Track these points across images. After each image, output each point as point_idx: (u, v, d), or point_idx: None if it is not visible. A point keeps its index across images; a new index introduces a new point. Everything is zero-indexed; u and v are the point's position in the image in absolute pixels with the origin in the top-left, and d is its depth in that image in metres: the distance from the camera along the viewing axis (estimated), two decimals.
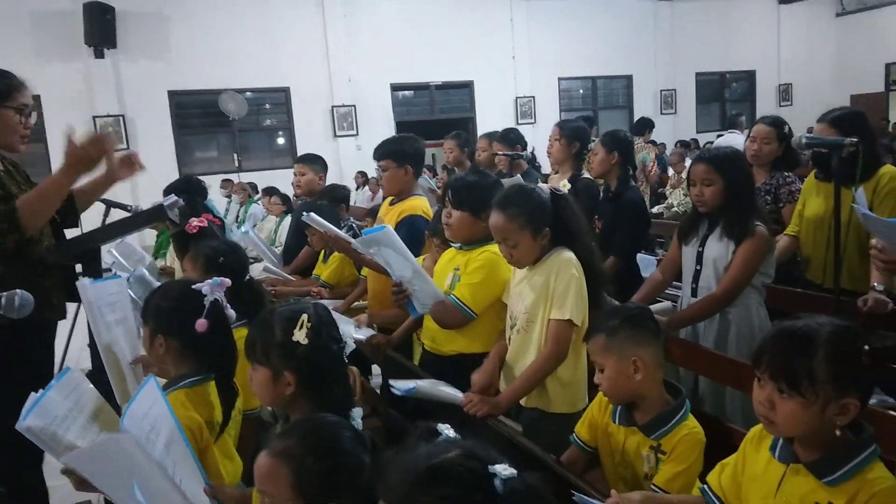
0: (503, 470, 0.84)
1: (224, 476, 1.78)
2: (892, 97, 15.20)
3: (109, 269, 2.60)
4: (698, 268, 2.57)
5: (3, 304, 1.50)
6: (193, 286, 1.80)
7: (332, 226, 2.88)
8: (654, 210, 8.27)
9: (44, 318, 2.21)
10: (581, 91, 14.59)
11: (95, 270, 2.20)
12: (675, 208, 8.48)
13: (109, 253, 2.90)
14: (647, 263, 3.74)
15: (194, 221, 2.35)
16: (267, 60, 11.28)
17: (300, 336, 1.45)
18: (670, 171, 9.55)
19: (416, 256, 2.84)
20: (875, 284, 2.44)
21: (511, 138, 4.18)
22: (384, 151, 3.02)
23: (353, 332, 2.49)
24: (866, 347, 1.20)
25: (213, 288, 1.78)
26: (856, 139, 2.26)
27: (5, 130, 2.18)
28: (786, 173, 3.29)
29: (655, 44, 14.40)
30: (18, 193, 2.19)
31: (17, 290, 1.53)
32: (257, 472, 1.22)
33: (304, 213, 2.96)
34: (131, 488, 1.30)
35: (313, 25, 11.62)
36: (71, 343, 2.85)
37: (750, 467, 1.43)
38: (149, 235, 6.90)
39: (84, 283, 1.90)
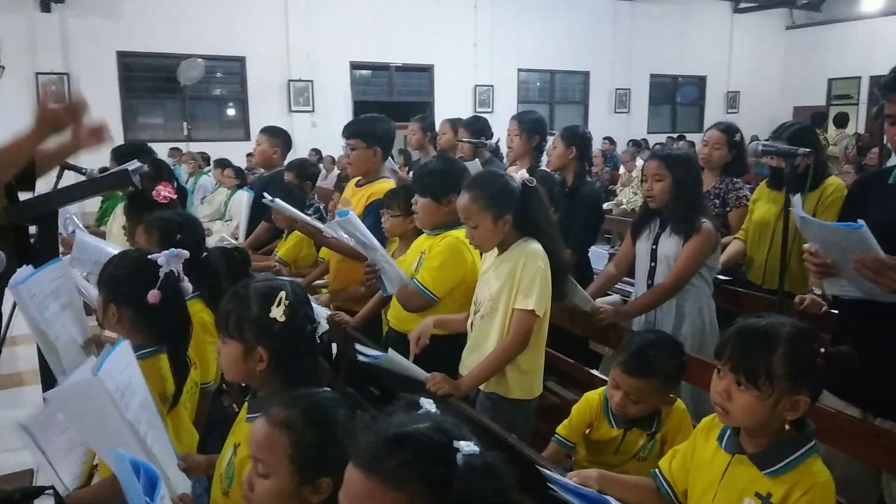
0: (466, 446, 0.89)
1: (180, 448, 1.76)
2: (832, 112, 15.89)
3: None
4: (653, 265, 2.68)
5: None
6: (150, 256, 1.76)
7: (298, 212, 2.86)
8: (604, 206, 8.47)
9: None
10: (539, 84, 14.72)
11: (52, 234, 2.13)
12: (624, 206, 8.71)
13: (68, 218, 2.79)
14: (599, 257, 3.87)
15: (163, 191, 2.27)
16: (223, 27, 10.94)
17: (277, 313, 1.44)
18: (621, 169, 9.77)
19: (384, 242, 2.86)
20: (814, 289, 2.60)
21: (477, 127, 4.20)
22: (354, 130, 3.01)
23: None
24: (822, 350, 1.28)
25: (169, 259, 1.74)
26: (809, 150, 2.40)
27: None
28: (735, 179, 3.42)
29: (614, 43, 14.63)
30: None
31: None
32: (254, 437, 1.22)
33: (269, 198, 2.91)
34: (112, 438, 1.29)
35: None
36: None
37: (699, 455, 1.50)
38: (91, 201, 6.66)
39: (18, 286, 1.76)
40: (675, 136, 13.80)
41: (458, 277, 2.36)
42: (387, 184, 3.02)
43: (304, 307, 1.51)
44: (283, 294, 1.46)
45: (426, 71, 13.12)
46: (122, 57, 10.60)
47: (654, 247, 2.67)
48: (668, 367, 1.83)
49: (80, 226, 3.04)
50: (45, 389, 2.13)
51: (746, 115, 15.35)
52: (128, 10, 10.36)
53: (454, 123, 4.47)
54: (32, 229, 2.22)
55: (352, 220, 2.31)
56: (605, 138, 12.33)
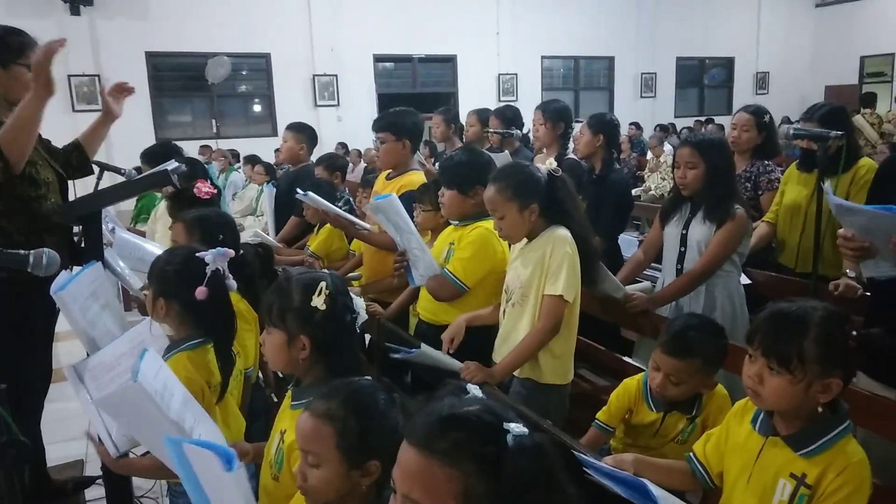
0: (516, 427, 0.93)
1: (228, 435, 1.84)
2: (865, 90, 15.52)
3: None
4: (682, 249, 2.67)
5: (31, 262, 1.53)
6: (197, 254, 1.83)
7: (330, 204, 2.91)
8: (633, 193, 8.38)
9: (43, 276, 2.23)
10: (563, 70, 14.61)
11: (96, 233, 2.21)
12: (653, 192, 8.62)
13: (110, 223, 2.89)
14: (628, 244, 3.87)
15: (203, 188, 2.35)
16: (248, 25, 11.07)
17: (318, 302, 1.49)
18: (648, 155, 9.66)
19: None
20: (847, 271, 2.58)
21: (507, 116, 4.21)
22: (384, 124, 3.05)
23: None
24: (854, 332, 1.29)
25: (216, 257, 1.82)
26: (841, 132, 2.37)
27: (18, 87, 2.19)
28: (766, 162, 3.39)
29: (638, 27, 14.45)
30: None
31: (45, 249, 1.55)
32: (300, 432, 1.27)
33: (302, 193, 2.98)
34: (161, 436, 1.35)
35: None
36: None
37: (732, 438, 1.52)
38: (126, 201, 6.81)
39: (61, 291, 1.83)
40: (702, 119, 13.62)
41: (487, 267, 2.40)
42: (417, 175, 3.05)
43: (343, 297, 1.57)
44: (323, 284, 1.52)
45: (449, 61, 13.12)
46: (151, 57, 10.79)
47: (684, 232, 2.66)
48: (708, 348, 1.85)
49: (119, 224, 3.14)
50: None
51: (776, 96, 15.08)
52: (155, 11, 10.53)
53: (482, 114, 4.47)
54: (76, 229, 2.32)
55: (393, 203, 2.37)
56: (631, 123, 12.21)
